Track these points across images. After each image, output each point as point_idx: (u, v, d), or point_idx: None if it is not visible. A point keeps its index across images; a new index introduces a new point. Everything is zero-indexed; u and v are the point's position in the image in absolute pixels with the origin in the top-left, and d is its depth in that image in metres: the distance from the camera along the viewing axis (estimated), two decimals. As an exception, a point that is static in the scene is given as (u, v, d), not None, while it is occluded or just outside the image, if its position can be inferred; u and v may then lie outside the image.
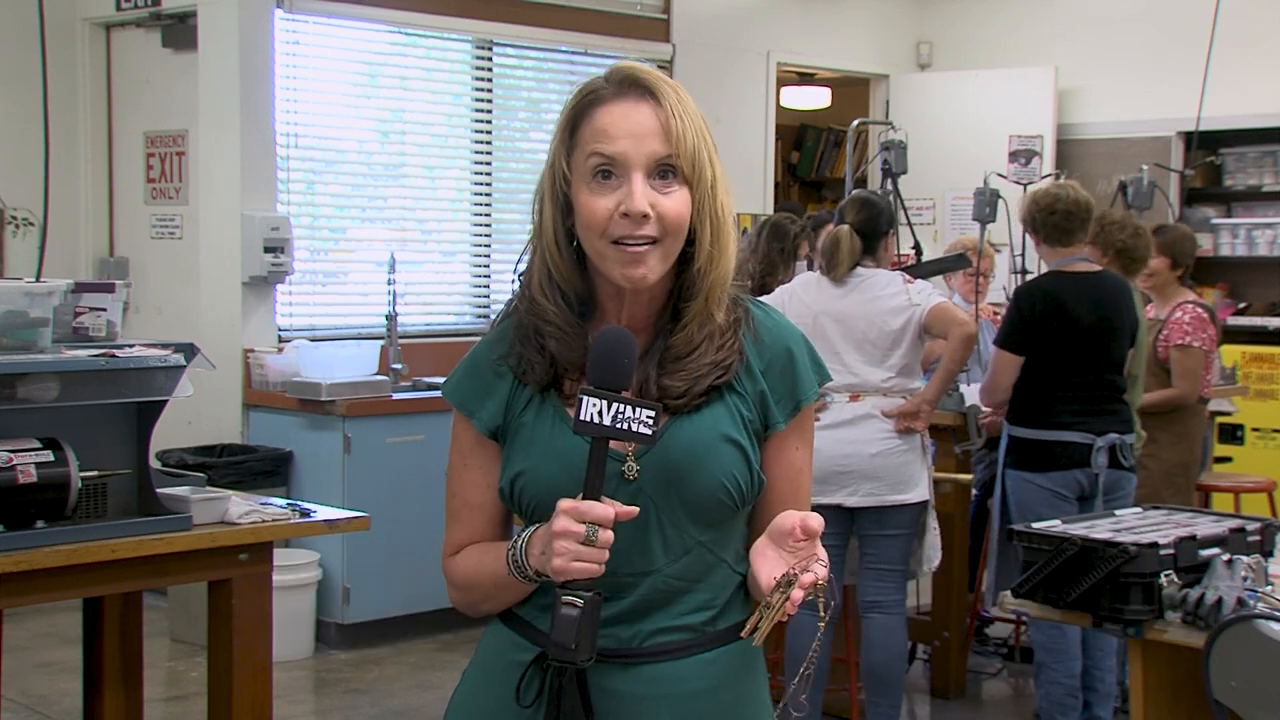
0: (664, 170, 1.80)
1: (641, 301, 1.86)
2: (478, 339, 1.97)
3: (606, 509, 1.70)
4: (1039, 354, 4.79)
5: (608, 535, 1.69)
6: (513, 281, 1.95)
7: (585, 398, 1.72)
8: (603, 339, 1.76)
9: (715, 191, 1.83)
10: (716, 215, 1.84)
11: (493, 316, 1.99)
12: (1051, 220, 4.83)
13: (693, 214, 1.82)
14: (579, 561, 1.69)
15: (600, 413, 1.71)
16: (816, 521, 1.71)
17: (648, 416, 1.72)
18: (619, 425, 1.71)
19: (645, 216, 1.77)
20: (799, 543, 1.70)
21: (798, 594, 1.68)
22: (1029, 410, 4.80)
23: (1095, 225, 5.09)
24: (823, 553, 1.71)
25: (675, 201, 1.80)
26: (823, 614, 1.76)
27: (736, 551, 1.88)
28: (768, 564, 1.72)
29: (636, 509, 1.74)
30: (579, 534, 1.68)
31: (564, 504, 1.70)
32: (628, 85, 1.82)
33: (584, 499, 1.71)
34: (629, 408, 1.72)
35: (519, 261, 1.92)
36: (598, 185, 1.79)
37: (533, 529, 1.79)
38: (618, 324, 1.85)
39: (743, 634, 1.74)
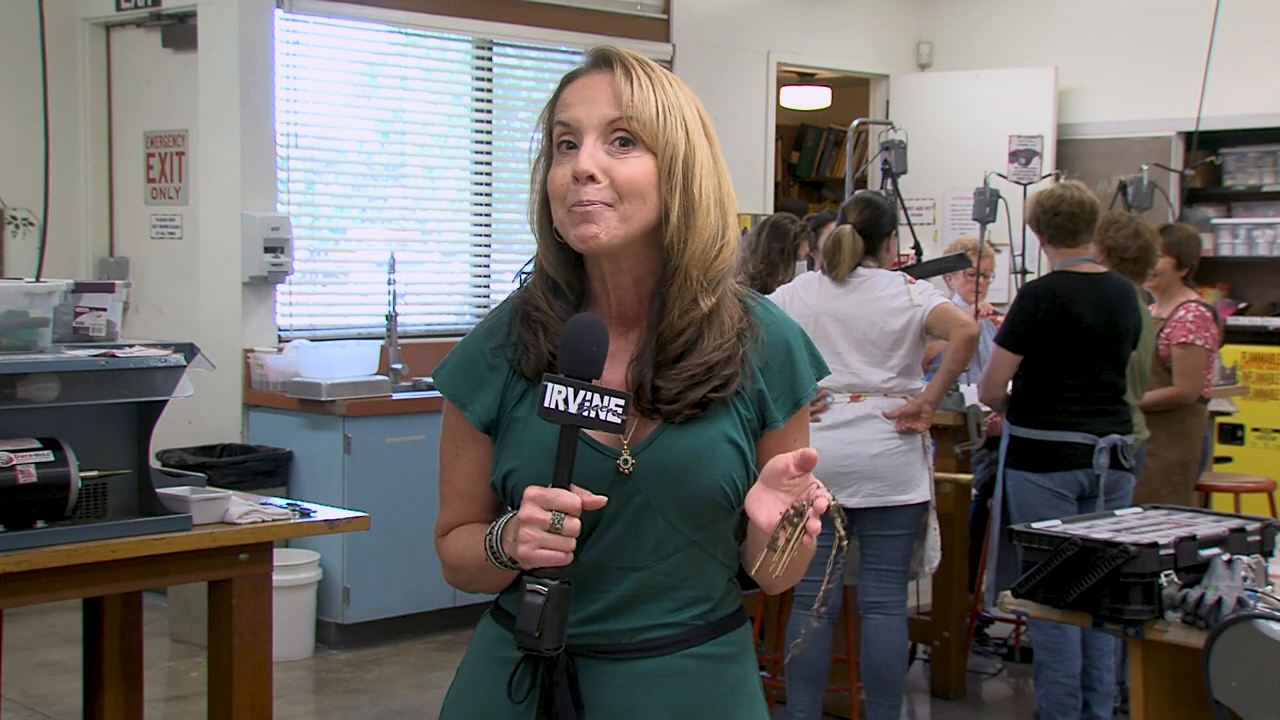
0: (623, 138, 1.79)
1: (626, 285, 1.85)
2: None
3: (573, 497, 1.70)
4: (1042, 354, 4.79)
5: (574, 524, 1.69)
6: (514, 280, 1.95)
7: (550, 385, 1.72)
8: (572, 327, 1.76)
9: (692, 168, 1.81)
10: (691, 192, 1.81)
11: (493, 317, 1.98)
12: (1056, 221, 4.84)
13: (661, 186, 1.80)
14: (544, 549, 1.69)
15: (566, 400, 1.71)
16: (812, 455, 1.70)
17: (617, 405, 1.71)
18: (585, 413, 1.71)
19: (591, 178, 1.77)
20: (794, 480, 1.70)
21: (815, 523, 1.67)
22: (1031, 410, 4.81)
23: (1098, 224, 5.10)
24: (820, 484, 1.71)
25: (631, 167, 1.79)
26: (843, 533, 1.75)
27: (726, 546, 1.89)
28: (765, 507, 1.72)
29: (604, 498, 1.74)
30: (544, 521, 1.69)
31: (531, 491, 1.71)
32: (593, 61, 1.85)
33: (552, 487, 1.71)
34: (597, 396, 1.71)
35: (529, 261, 1.93)
36: (561, 155, 1.81)
37: (507, 517, 1.80)
38: (608, 313, 1.85)
39: (753, 572, 1.73)
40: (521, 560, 1.71)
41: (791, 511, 1.68)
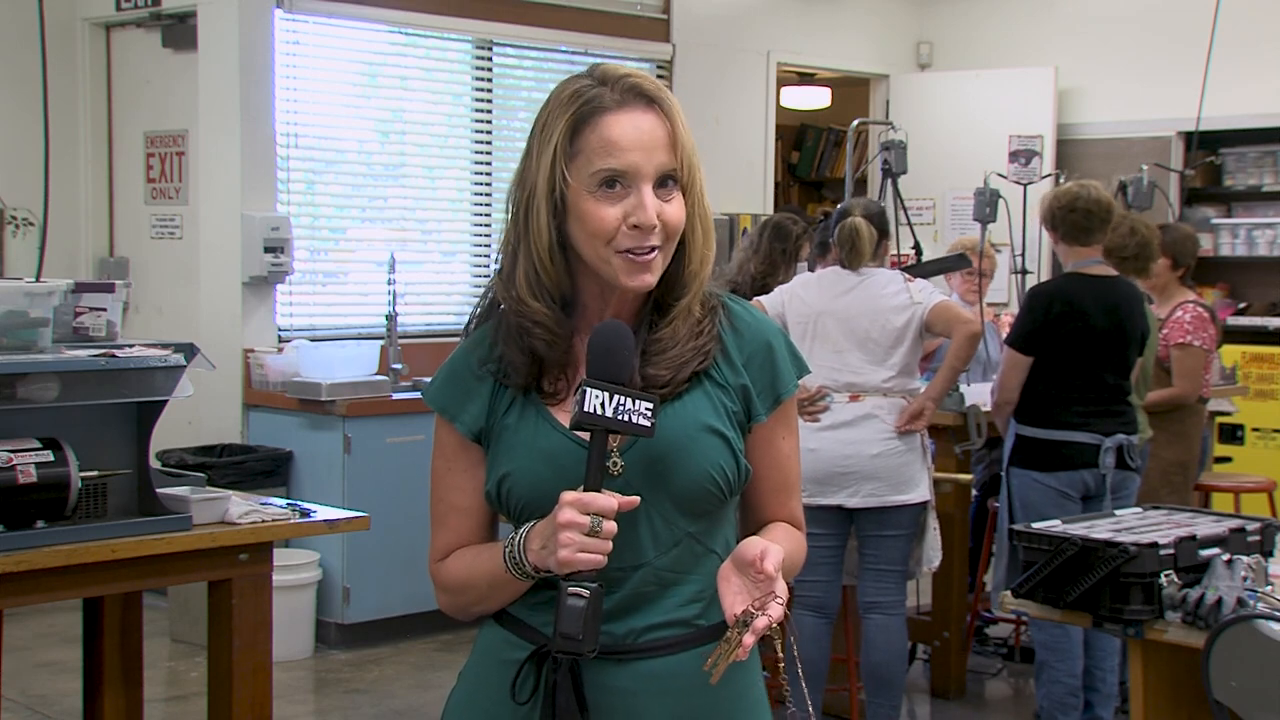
0: (665, 179, 1.82)
1: (627, 299, 1.87)
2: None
3: (610, 499, 1.72)
4: (1050, 355, 4.78)
5: (611, 526, 1.71)
6: (489, 284, 1.95)
7: (589, 390, 1.73)
8: (601, 333, 1.78)
9: (702, 194, 1.87)
10: (705, 217, 1.88)
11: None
12: (1071, 218, 4.83)
13: (687, 220, 1.85)
14: (584, 553, 1.71)
15: (603, 404, 1.73)
16: (774, 561, 1.72)
17: (646, 409, 1.74)
18: (620, 417, 1.73)
19: (654, 228, 1.80)
20: (759, 574, 1.73)
21: (749, 639, 1.70)
22: (1037, 410, 4.80)
23: None
24: (781, 588, 1.73)
25: (676, 208, 1.83)
26: (780, 654, 1.78)
27: (726, 541, 1.90)
28: (730, 592, 1.75)
29: (638, 498, 1.76)
30: (584, 525, 1.70)
31: (568, 496, 1.72)
32: (632, 94, 1.82)
33: (585, 490, 1.72)
34: (629, 399, 1.74)
35: (494, 261, 1.93)
36: (604, 194, 1.80)
37: (529, 526, 1.80)
38: (598, 319, 1.87)
39: (705, 667, 1.75)
40: (560, 565, 1.72)
41: (743, 617, 1.71)
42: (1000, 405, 4.95)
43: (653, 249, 1.81)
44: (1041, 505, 4.64)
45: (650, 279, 1.82)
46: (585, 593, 1.71)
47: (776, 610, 1.71)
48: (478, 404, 1.89)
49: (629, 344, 1.77)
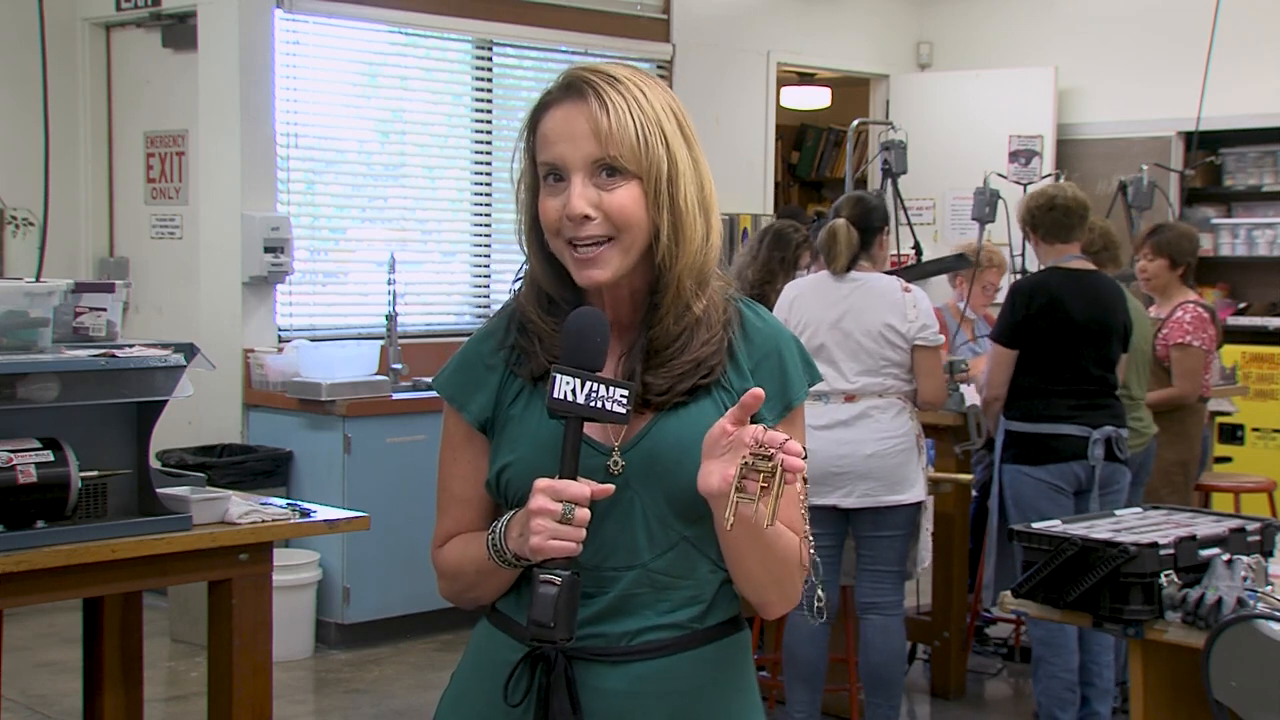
0: (609, 169, 1.79)
1: (623, 298, 1.86)
2: None
3: (582, 487, 1.71)
4: (1035, 349, 4.81)
5: (584, 514, 1.71)
6: (512, 284, 1.96)
7: (559, 376, 1.73)
8: (575, 319, 1.77)
9: (675, 182, 1.81)
10: (678, 206, 1.81)
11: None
12: (1051, 215, 4.86)
13: (649, 208, 1.80)
14: (556, 540, 1.70)
15: (574, 391, 1.72)
16: (756, 392, 1.68)
17: (621, 395, 1.73)
18: (593, 404, 1.72)
19: (587, 218, 1.78)
20: (730, 438, 1.68)
21: (793, 460, 1.62)
22: (1025, 404, 4.82)
23: None
24: (756, 432, 1.67)
25: (621, 197, 1.79)
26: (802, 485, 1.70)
27: (719, 548, 1.89)
28: (714, 475, 1.68)
29: (612, 487, 1.76)
30: (555, 512, 1.70)
31: (541, 483, 1.72)
32: (567, 89, 1.83)
33: (560, 478, 1.72)
34: (603, 386, 1.73)
35: (522, 267, 1.94)
36: (549, 187, 1.82)
37: (511, 514, 1.81)
38: None
39: (729, 521, 1.67)
40: (533, 551, 1.72)
41: (751, 460, 1.64)
42: (989, 402, 4.97)
43: (598, 241, 1.79)
44: (1034, 499, 4.66)
45: (598, 273, 1.79)
46: (557, 580, 1.70)
47: (776, 436, 1.64)
48: (485, 393, 1.89)
49: (603, 330, 1.76)
